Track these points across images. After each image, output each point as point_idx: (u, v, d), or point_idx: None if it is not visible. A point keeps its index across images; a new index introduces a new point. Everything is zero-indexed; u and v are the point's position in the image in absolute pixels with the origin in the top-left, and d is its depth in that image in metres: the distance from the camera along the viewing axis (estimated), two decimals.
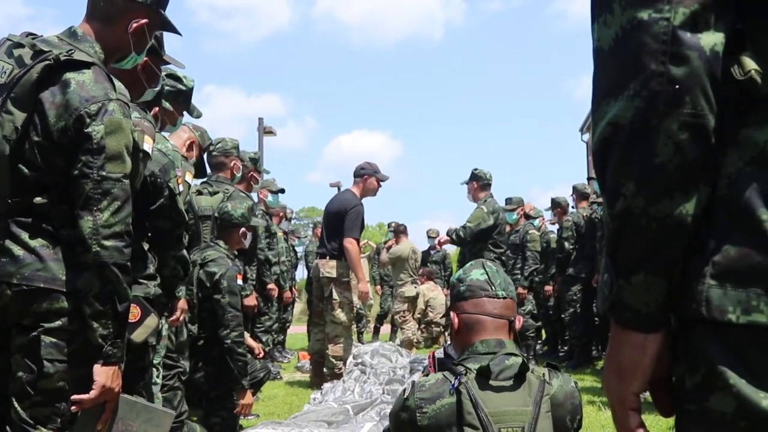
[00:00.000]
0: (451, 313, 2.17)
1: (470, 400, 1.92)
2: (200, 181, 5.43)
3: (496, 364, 1.99)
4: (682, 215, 0.82)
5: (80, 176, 1.90)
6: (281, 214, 8.74)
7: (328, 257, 6.43)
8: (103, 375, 1.91)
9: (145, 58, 2.53)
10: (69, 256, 1.92)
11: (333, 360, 6.35)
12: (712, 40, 0.79)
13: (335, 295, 6.35)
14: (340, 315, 6.34)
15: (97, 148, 1.90)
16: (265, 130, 17.23)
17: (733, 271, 0.80)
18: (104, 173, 1.90)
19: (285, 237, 8.86)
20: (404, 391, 2.05)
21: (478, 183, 6.99)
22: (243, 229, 4.74)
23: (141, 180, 2.24)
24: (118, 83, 2.02)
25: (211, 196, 5.08)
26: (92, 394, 1.90)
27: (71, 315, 1.90)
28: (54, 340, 1.89)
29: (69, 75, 1.94)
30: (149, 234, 2.78)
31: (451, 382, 1.97)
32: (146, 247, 2.70)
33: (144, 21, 2.14)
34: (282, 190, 7.60)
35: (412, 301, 10.26)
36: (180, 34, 2.44)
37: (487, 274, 2.16)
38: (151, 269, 2.84)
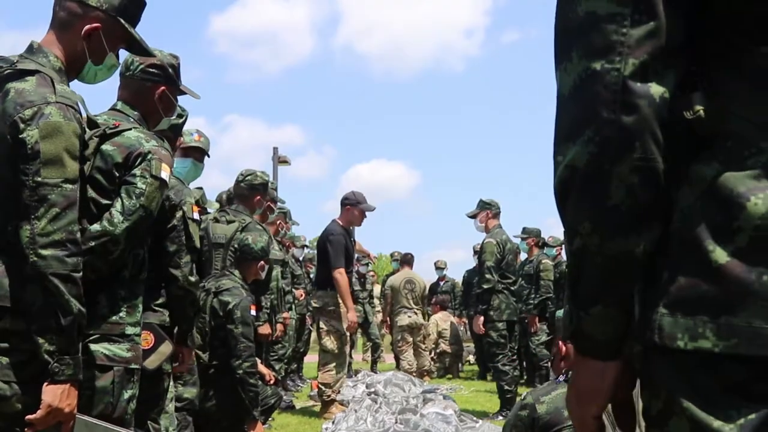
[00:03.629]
0: (559, 342, 2.46)
1: None
2: (215, 209, 5.48)
3: None
4: (635, 252, 0.87)
5: (19, 184, 1.84)
6: (288, 244, 8.79)
7: (316, 288, 6.63)
8: (50, 394, 1.81)
9: (163, 87, 2.58)
10: (19, 271, 1.85)
11: (322, 387, 6.42)
12: (661, 88, 0.84)
13: (322, 324, 6.46)
14: (327, 343, 6.41)
15: (32, 154, 1.84)
16: (279, 160, 17.32)
17: (683, 300, 0.84)
18: (39, 179, 1.83)
19: (300, 264, 8.88)
20: (520, 397, 2.44)
21: (491, 212, 6.98)
22: (261, 262, 4.79)
23: (158, 207, 2.26)
24: (62, 87, 1.97)
25: (227, 224, 5.11)
26: (38, 414, 1.81)
27: (27, 333, 1.83)
28: (9, 360, 1.84)
29: (10, 84, 1.92)
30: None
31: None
32: None
33: (96, 25, 2.08)
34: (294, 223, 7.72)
35: (408, 330, 10.14)
36: (152, 56, 2.41)
37: None
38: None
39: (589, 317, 0.90)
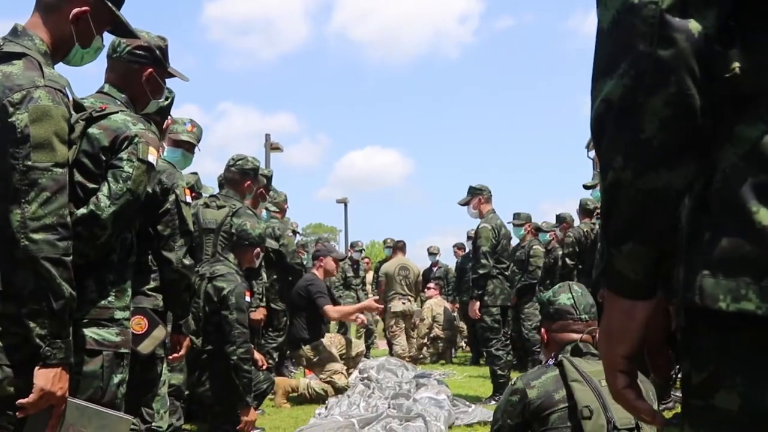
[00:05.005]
0: (542, 329, 2.53)
1: (570, 363, 2.28)
2: (209, 194, 5.47)
3: (582, 348, 2.35)
4: (667, 189, 0.86)
5: (8, 168, 1.83)
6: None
7: (293, 345, 6.75)
8: (42, 378, 1.82)
9: (150, 69, 2.55)
10: (9, 255, 1.85)
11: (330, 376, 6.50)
12: (701, 24, 0.83)
13: (322, 375, 6.53)
14: (338, 383, 6.45)
15: (22, 138, 1.83)
16: (271, 147, 17.30)
17: (725, 261, 0.82)
18: (30, 163, 1.83)
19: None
20: (511, 383, 2.44)
21: (483, 197, 6.95)
22: (257, 249, 4.78)
23: (146, 190, 2.24)
24: (50, 71, 1.96)
25: (217, 209, 5.10)
26: (30, 398, 1.82)
27: (18, 317, 1.83)
28: (1, 343, 1.84)
29: None
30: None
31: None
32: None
33: (85, 8, 2.07)
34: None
35: (401, 316, 10.34)
36: (137, 37, 2.40)
37: (573, 299, 2.48)
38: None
39: (619, 254, 0.90)
